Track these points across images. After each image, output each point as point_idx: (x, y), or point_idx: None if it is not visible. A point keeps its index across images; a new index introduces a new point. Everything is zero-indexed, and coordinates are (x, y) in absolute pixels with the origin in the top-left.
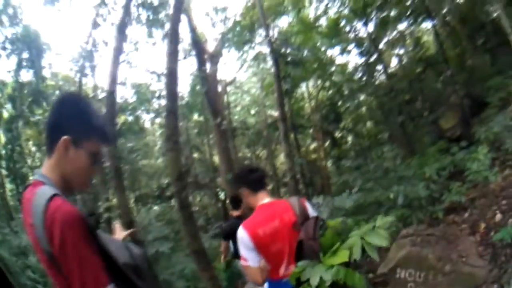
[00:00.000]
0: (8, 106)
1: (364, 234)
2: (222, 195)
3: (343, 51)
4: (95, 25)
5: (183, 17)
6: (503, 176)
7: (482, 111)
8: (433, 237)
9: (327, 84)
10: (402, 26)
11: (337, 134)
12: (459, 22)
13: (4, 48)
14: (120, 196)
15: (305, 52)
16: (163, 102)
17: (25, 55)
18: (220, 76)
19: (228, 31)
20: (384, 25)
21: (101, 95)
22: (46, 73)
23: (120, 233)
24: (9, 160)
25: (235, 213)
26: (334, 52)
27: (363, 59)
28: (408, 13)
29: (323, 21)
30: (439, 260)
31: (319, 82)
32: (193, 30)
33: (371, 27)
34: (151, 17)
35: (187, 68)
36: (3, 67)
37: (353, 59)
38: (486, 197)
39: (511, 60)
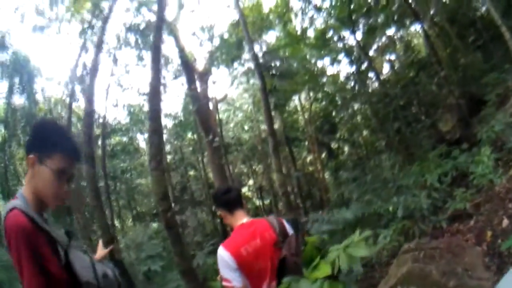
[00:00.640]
0: (0, 128)
1: (345, 247)
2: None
3: (333, 61)
4: (84, 49)
5: (171, 39)
6: (508, 178)
7: (481, 109)
8: (437, 250)
9: (320, 95)
10: (390, 31)
11: (333, 145)
12: (447, 22)
13: None
14: (99, 215)
15: (295, 65)
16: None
17: (16, 80)
18: (210, 93)
19: (216, 49)
20: (372, 32)
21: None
22: (38, 97)
23: (100, 251)
24: (2, 179)
25: None
26: (324, 62)
27: (354, 68)
28: (396, 17)
29: (310, 33)
30: (443, 275)
31: (311, 94)
32: (181, 50)
33: (359, 35)
34: (139, 41)
35: (178, 87)
36: None
37: (344, 68)
38: (492, 202)
39: (504, 54)
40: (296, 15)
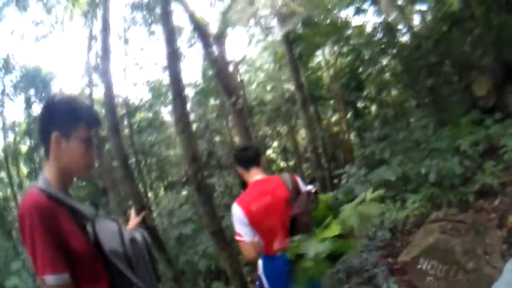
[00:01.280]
0: (26, 140)
1: (356, 205)
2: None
3: (358, 10)
4: (92, 38)
5: (179, 6)
6: None
7: None
8: (463, 224)
9: (345, 49)
10: None
11: (360, 104)
12: None
13: (6, 94)
14: (129, 184)
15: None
16: None
17: (32, 91)
18: (229, 56)
19: (228, 8)
20: None
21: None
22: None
23: (133, 219)
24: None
25: None
26: (348, 13)
27: (381, 18)
28: None
29: None
30: (464, 253)
31: (335, 48)
32: (191, 15)
33: None
34: (147, 16)
35: (195, 55)
36: (11, 109)
37: (370, 19)
38: None
39: None
40: None
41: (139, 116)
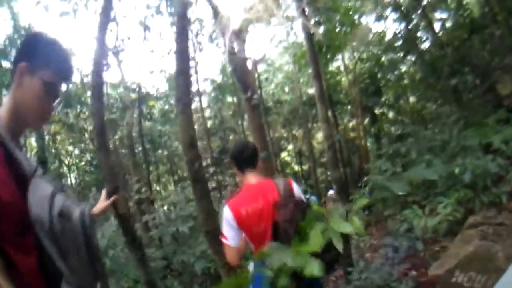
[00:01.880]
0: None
1: (335, 221)
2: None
3: (379, 17)
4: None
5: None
6: None
7: None
8: (504, 227)
9: (364, 55)
10: None
11: (377, 110)
12: None
13: None
14: (104, 157)
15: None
16: (195, 86)
17: None
18: (248, 53)
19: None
20: None
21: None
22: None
23: (100, 202)
24: (42, 163)
25: None
26: (369, 20)
27: (402, 25)
28: None
29: None
30: (507, 259)
31: (355, 54)
32: (214, 8)
33: None
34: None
35: (214, 50)
36: None
37: (391, 26)
38: None
39: None
40: None
41: (152, 104)
